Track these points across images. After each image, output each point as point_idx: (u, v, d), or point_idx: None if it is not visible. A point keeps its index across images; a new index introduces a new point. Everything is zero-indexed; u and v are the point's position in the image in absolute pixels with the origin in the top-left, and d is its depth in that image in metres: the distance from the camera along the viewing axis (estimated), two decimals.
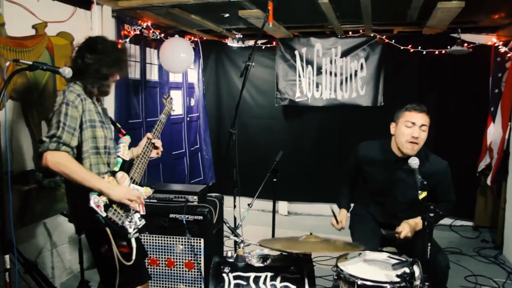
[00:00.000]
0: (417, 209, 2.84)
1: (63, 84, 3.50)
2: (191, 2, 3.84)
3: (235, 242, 2.73)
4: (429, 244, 2.27)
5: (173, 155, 5.54)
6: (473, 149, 5.16)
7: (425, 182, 2.37)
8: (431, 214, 2.25)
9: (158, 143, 2.68)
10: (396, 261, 2.35)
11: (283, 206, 6.11)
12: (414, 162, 2.49)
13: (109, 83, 2.47)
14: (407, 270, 2.16)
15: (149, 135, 2.66)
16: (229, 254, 2.64)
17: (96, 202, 2.20)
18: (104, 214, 2.21)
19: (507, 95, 4.60)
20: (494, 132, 4.85)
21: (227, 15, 4.36)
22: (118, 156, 2.47)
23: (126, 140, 2.55)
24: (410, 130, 2.78)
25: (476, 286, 3.83)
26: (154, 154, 2.70)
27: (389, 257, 2.53)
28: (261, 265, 2.55)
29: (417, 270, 2.20)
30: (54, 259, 3.66)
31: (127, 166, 2.46)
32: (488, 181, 4.91)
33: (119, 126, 2.62)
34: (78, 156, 2.30)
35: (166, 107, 2.86)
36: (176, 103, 5.68)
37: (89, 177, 2.23)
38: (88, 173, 2.27)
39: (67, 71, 2.25)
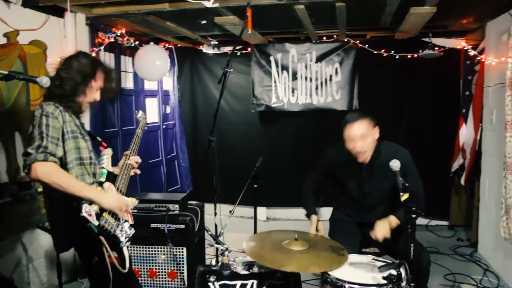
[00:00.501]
0: (390, 202, 2.97)
1: (37, 94, 3.43)
2: (166, 9, 3.80)
3: (217, 249, 2.71)
4: (412, 245, 2.31)
5: (150, 164, 5.46)
6: (446, 150, 5.28)
7: (406, 184, 2.40)
8: (413, 215, 2.29)
9: (137, 159, 2.62)
10: (382, 263, 2.38)
11: (261, 211, 6.09)
12: (395, 165, 2.51)
13: (80, 102, 2.40)
14: (393, 272, 2.19)
15: (126, 153, 2.62)
16: (213, 263, 2.63)
17: (87, 211, 2.16)
18: (96, 223, 2.17)
19: (478, 97, 4.73)
20: (466, 133, 4.97)
21: (204, 22, 4.34)
22: (103, 167, 2.44)
23: (108, 152, 2.53)
24: (352, 145, 2.86)
25: (455, 284, 3.91)
26: (132, 173, 2.63)
27: (373, 259, 2.56)
28: (247, 272, 2.55)
29: (403, 272, 2.23)
30: (30, 274, 3.54)
31: (112, 177, 2.43)
32: (462, 181, 5.04)
33: (100, 140, 2.57)
34: (63, 168, 2.25)
35: (141, 123, 2.84)
36: (152, 111, 5.63)
37: (81, 187, 2.21)
38: (79, 182, 2.24)
39: (45, 81, 2.18)
